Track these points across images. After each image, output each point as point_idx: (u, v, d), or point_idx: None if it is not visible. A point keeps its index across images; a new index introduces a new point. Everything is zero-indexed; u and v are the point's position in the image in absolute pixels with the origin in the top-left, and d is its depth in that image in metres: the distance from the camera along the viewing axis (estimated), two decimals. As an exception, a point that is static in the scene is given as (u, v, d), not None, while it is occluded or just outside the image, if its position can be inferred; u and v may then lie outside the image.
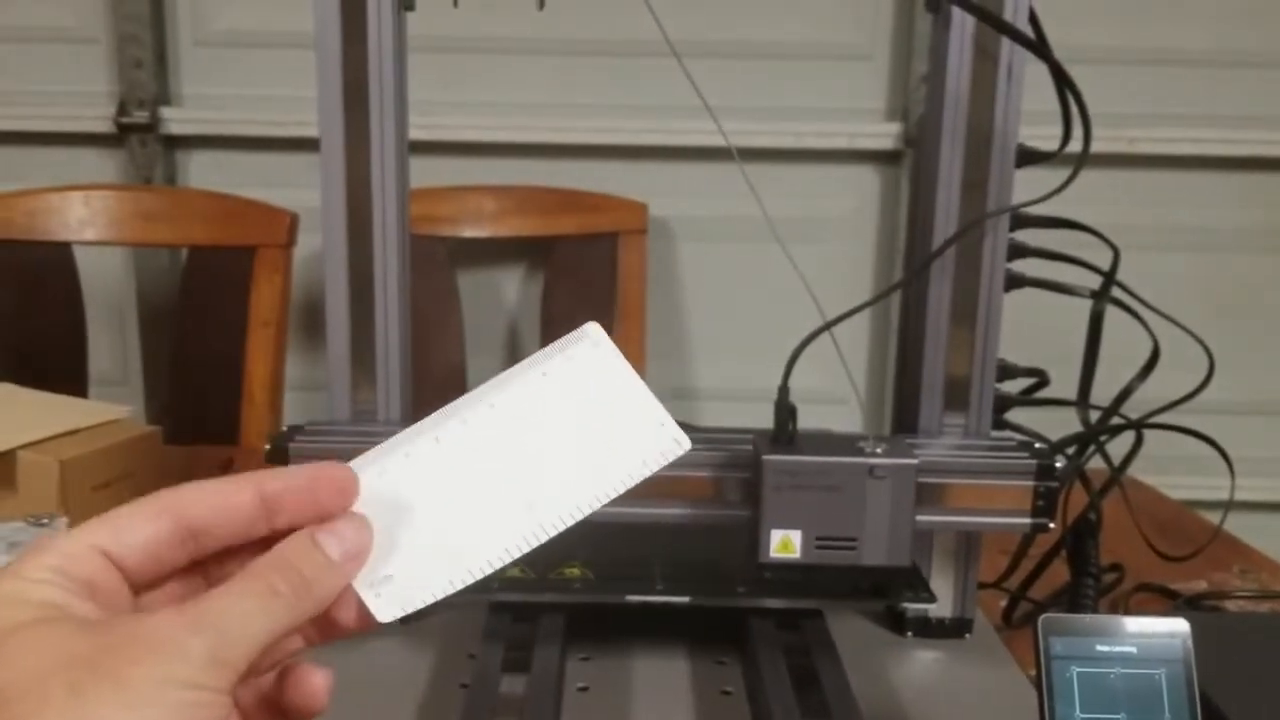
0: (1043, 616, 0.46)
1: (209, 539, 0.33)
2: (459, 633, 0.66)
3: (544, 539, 0.34)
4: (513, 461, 0.35)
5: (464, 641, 0.65)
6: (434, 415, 0.36)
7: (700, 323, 1.65)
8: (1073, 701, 0.44)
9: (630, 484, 0.35)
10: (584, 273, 1.48)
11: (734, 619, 0.65)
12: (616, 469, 0.35)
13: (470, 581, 0.34)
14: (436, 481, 0.35)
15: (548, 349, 0.36)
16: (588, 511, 0.34)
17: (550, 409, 0.35)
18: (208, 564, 0.34)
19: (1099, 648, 0.45)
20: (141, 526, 0.31)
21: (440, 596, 0.34)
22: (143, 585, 0.32)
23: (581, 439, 0.35)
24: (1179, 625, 0.46)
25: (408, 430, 0.35)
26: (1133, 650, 0.45)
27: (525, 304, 1.64)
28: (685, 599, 0.62)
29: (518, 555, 0.34)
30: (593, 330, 0.36)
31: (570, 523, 0.34)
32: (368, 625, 0.34)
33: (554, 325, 1.49)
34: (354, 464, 0.35)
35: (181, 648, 0.29)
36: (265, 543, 0.33)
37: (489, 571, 0.34)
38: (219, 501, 0.33)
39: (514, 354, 1.66)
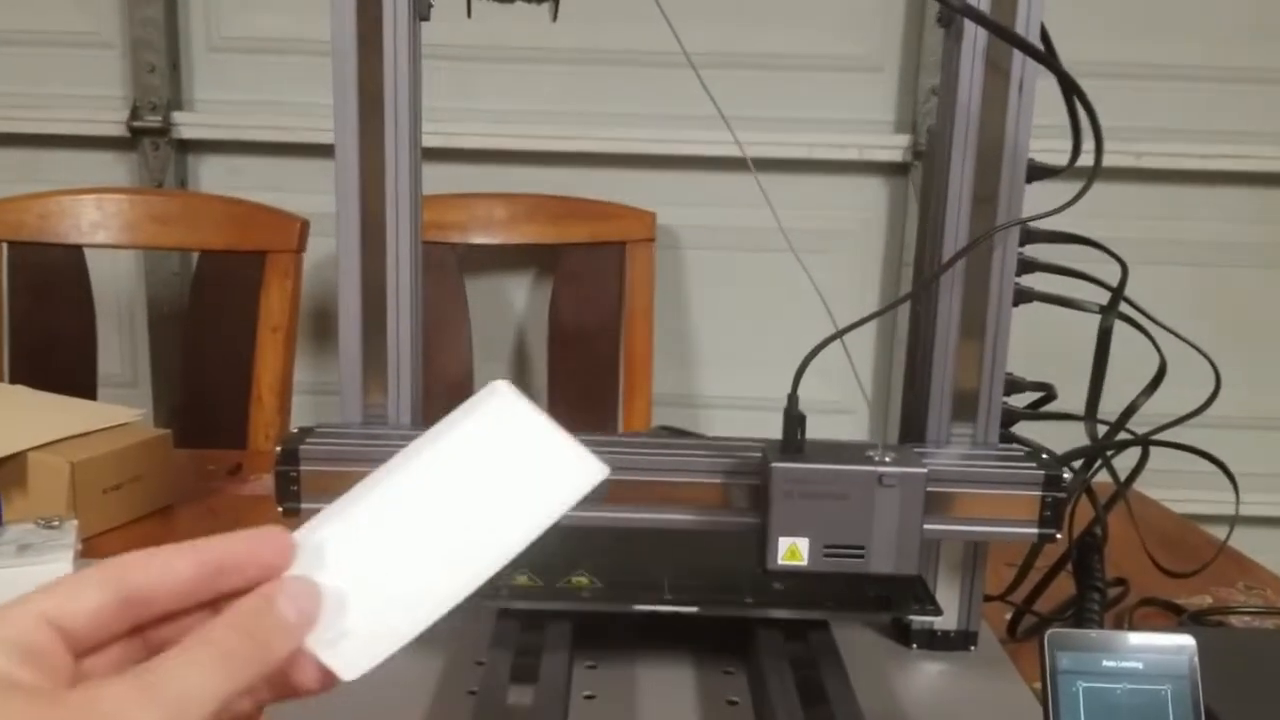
0: (1049, 631, 0.46)
1: (151, 605, 0.33)
2: (467, 640, 0.66)
3: (482, 581, 0.36)
4: (442, 516, 0.37)
5: (472, 649, 0.65)
6: (360, 483, 0.37)
7: (707, 331, 1.66)
8: (1078, 716, 0.44)
9: (556, 517, 0.37)
10: (592, 280, 1.49)
11: (741, 629, 0.65)
12: (542, 506, 0.37)
13: (421, 629, 0.35)
14: (371, 543, 0.36)
15: (460, 409, 0.38)
16: (519, 549, 0.36)
17: (470, 463, 0.37)
18: (147, 629, 0.34)
19: (1105, 663, 0.45)
20: (87, 595, 0.32)
21: (396, 648, 0.35)
22: (84, 651, 0.32)
23: (503, 485, 0.37)
24: (1185, 641, 0.46)
25: (336, 501, 0.37)
26: (1139, 666, 0.45)
27: (533, 310, 1.64)
28: (693, 608, 0.62)
29: (460, 600, 0.36)
30: (501, 386, 0.39)
31: (503, 563, 0.36)
32: (328, 685, 0.35)
33: (561, 331, 1.50)
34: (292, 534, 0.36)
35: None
36: (208, 608, 0.34)
37: (436, 618, 0.35)
38: (160, 569, 0.33)
39: (522, 359, 1.67)
